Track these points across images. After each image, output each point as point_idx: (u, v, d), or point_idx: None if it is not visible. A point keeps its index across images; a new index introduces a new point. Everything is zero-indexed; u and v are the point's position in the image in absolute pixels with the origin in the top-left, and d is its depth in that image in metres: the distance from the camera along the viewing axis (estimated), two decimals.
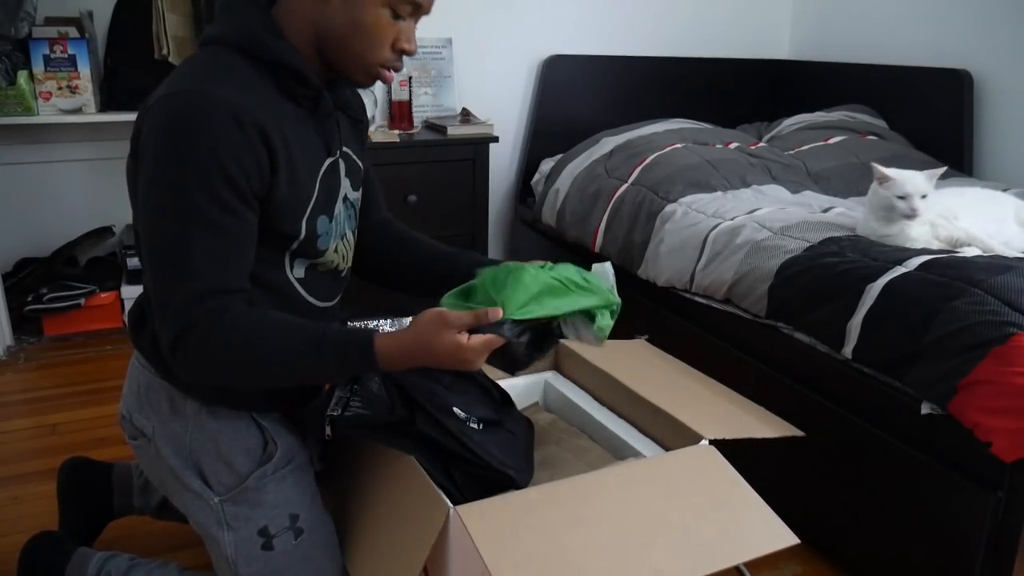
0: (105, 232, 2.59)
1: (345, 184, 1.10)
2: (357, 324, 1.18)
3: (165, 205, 0.90)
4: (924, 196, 1.57)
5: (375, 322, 1.21)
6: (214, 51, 0.96)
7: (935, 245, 1.58)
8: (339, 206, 1.09)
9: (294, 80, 0.97)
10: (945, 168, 1.59)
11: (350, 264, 1.17)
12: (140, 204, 0.93)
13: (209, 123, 0.88)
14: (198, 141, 0.87)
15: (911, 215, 1.57)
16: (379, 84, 2.84)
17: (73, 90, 2.25)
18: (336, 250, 1.10)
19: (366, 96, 2.48)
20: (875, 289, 1.40)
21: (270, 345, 0.92)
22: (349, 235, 1.15)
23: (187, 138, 0.87)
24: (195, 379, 1.00)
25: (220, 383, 1.01)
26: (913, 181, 1.58)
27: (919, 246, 1.56)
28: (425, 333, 0.93)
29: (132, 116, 2.47)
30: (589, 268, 1.06)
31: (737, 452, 1.10)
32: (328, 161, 1.05)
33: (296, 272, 1.05)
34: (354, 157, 1.14)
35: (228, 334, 0.91)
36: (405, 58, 1.03)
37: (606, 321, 1.01)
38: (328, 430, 1.06)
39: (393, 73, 1.03)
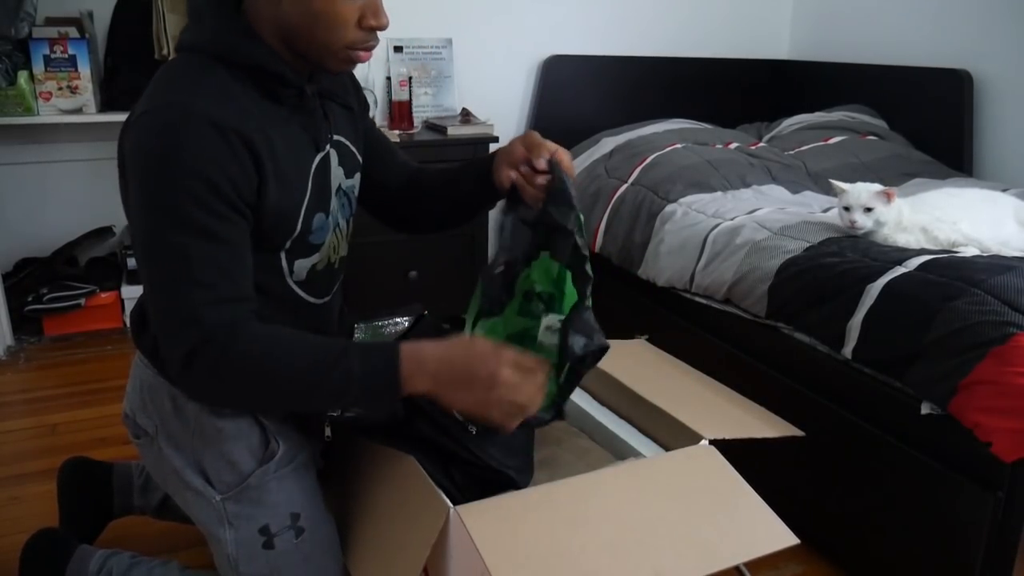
0: (105, 232, 2.59)
1: (338, 174, 1.09)
2: (378, 322, 1.17)
3: (158, 222, 0.88)
4: (870, 209, 1.59)
5: (386, 320, 1.20)
6: (189, 59, 0.94)
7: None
8: (333, 200, 1.08)
9: (274, 81, 0.96)
10: (895, 189, 1.62)
11: (344, 253, 1.16)
12: (133, 224, 0.92)
13: (191, 136, 0.86)
14: (182, 155, 0.86)
15: (850, 228, 1.62)
16: (379, 84, 2.84)
17: (73, 90, 2.26)
18: (328, 243, 1.09)
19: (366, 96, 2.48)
20: (875, 289, 1.40)
21: (292, 356, 0.90)
22: (343, 224, 1.13)
23: (171, 153, 0.86)
24: (206, 397, 0.97)
25: (231, 402, 0.98)
26: (855, 194, 1.61)
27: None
28: (470, 347, 0.91)
29: None
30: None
31: (737, 452, 1.10)
32: (318, 157, 1.04)
33: (297, 275, 1.05)
34: (347, 143, 1.12)
35: (247, 346, 0.88)
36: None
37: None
38: (328, 431, 1.06)
39: (369, 53, 1.00)
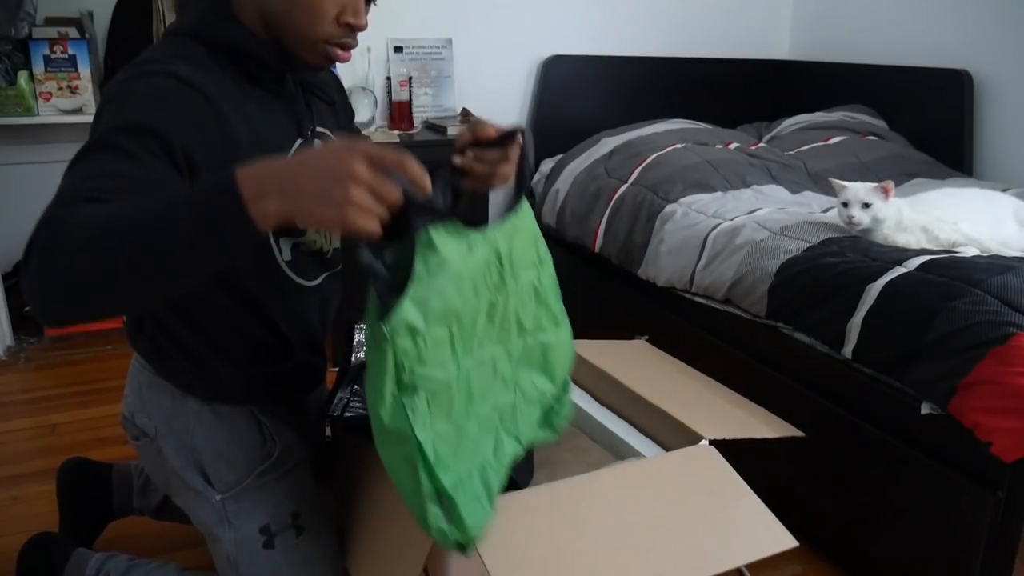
0: None
1: None
2: (359, 327, 1.18)
3: (88, 143, 0.82)
4: (868, 205, 1.60)
5: None
6: (169, 40, 0.96)
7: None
8: None
9: (253, 63, 0.96)
10: (891, 182, 1.61)
11: (336, 245, 1.14)
12: None
13: (150, 84, 0.86)
14: (139, 95, 0.85)
15: (848, 223, 1.62)
16: (379, 84, 2.82)
17: (73, 90, 2.26)
18: (317, 230, 1.08)
19: (365, 96, 2.48)
20: (875, 289, 1.40)
21: (126, 208, 0.75)
22: None
23: (127, 95, 0.86)
24: (44, 285, 0.78)
25: (71, 284, 0.77)
26: (854, 190, 1.62)
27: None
28: (319, 148, 0.75)
29: None
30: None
31: (737, 452, 1.10)
32: (299, 142, 1.03)
33: (284, 255, 1.04)
34: (331, 137, 1.11)
35: (83, 211, 0.75)
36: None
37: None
38: (328, 431, 1.06)
39: (348, 52, 1.00)
